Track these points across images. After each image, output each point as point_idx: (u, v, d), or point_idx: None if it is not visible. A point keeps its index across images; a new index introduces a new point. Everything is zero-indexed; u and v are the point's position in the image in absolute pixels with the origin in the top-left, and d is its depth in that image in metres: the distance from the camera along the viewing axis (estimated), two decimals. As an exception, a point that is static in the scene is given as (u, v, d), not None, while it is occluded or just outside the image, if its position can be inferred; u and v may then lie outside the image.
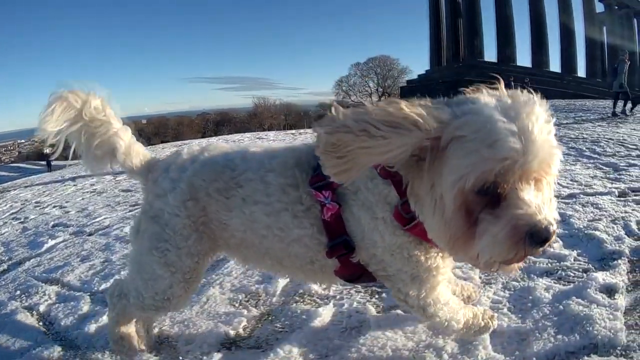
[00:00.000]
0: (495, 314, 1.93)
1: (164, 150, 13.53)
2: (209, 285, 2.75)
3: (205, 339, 2.14)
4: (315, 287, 2.57)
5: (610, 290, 2.40)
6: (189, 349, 2.06)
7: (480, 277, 2.56)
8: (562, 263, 2.80)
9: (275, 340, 2.09)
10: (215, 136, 21.55)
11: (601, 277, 2.51)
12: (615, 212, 3.73)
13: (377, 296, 2.46)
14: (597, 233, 3.23)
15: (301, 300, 2.50)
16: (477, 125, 1.00)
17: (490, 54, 42.66)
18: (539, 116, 1.02)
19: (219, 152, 1.58)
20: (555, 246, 3.05)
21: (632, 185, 4.61)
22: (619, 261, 2.75)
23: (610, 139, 8.22)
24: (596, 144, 7.70)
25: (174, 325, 2.28)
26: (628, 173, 5.21)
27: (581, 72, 43.74)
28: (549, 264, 2.79)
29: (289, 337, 2.08)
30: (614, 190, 4.44)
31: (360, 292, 2.51)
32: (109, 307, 1.82)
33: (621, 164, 5.80)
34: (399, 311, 2.21)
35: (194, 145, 1.70)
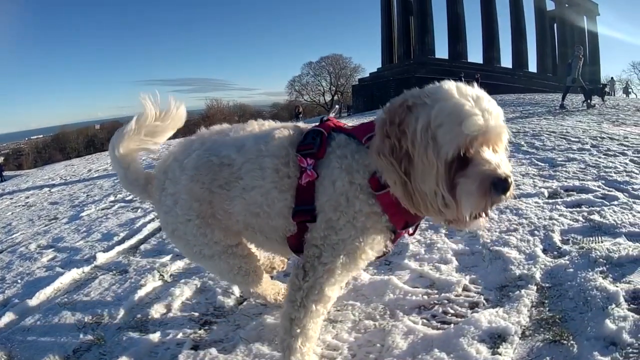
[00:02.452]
0: None
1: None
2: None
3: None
4: (153, 312, 2.40)
5: (495, 338, 1.85)
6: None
7: (329, 312, 2.08)
8: (444, 294, 2.25)
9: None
10: (169, 140, 20.78)
11: (488, 317, 1.96)
12: (538, 219, 3.16)
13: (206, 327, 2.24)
14: (506, 250, 2.66)
15: (135, 327, 2.31)
16: (448, 109, 1.27)
17: (442, 52, 44.47)
18: (491, 100, 1.32)
19: (209, 149, 1.66)
20: (444, 269, 2.50)
21: (566, 184, 4.13)
22: (524, 291, 2.19)
23: (553, 132, 7.91)
24: (537, 137, 7.34)
25: None
26: (565, 169, 4.78)
27: (532, 67, 45.46)
28: (426, 296, 2.24)
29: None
30: (543, 190, 3.94)
31: (193, 320, 2.31)
32: (245, 292, 2.21)
33: (559, 159, 5.41)
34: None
35: (178, 149, 1.79)
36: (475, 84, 1.37)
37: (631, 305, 1.99)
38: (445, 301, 2.20)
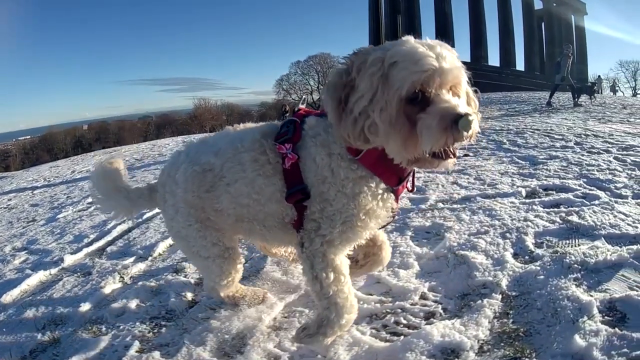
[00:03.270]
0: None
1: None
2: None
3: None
4: (108, 314, 2.40)
5: (447, 354, 1.71)
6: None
7: (275, 318, 2.16)
8: (398, 303, 2.09)
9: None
10: (157, 139, 22.15)
11: (442, 330, 1.81)
12: (512, 220, 2.98)
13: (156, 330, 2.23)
14: (472, 255, 2.50)
15: (90, 328, 2.31)
16: (404, 51, 1.35)
17: None
18: (448, 48, 1.40)
19: (193, 160, 1.84)
20: (402, 274, 2.34)
21: (545, 183, 3.97)
22: (487, 300, 2.03)
23: (537, 129, 7.79)
24: (520, 135, 7.20)
25: None
26: (546, 167, 4.64)
27: (520, 66, 45.79)
28: (379, 304, 2.10)
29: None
30: (521, 190, 3.77)
31: (144, 323, 2.29)
32: (214, 297, 2.24)
33: (541, 157, 5.27)
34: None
35: (168, 167, 1.98)
36: None
37: (605, 317, 1.81)
38: (399, 310, 2.05)
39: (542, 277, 2.18)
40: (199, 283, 2.59)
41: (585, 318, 1.78)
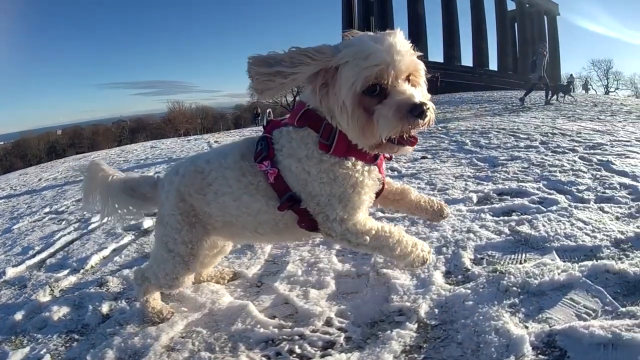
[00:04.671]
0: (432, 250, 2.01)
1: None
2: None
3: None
4: (31, 327, 2.35)
5: None
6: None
7: (172, 338, 2.09)
8: (299, 328, 1.93)
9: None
10: (131, 144, 22.68)
11: None
12: (454, 232, 2.68)
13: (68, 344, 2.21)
14: (395, 274, 2.20)
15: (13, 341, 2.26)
16: (354, 49, 1.44)
17: None
18: (401, 38, 1.47)
19: (192, 161, 1.99)
20: (313, 295, 2.15)
21: (500, 187, 3.68)
22: (397, 330, 1.76)
23: (503, 129, 7.56)
24: (485, 135, 6.97)
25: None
26: (505, 169, 4.36)
27: (493, 65, 46.52)
28: (278, 328, 1.96)
29: None
30: (472, 195, 3.45)
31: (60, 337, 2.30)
32: (135, 286, 2.25)
33: (502, 158, 5.00)
34: None
35: (175, 165, 2.10)
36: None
37: (539, 356, 1.49)
38: (297, 337, 1.87)
39: (471, 302, 1.86)
40: (118, 297, 2.54)
41: (512, 358, 1.44)
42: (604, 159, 4.49)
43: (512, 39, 48.01)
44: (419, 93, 1.47)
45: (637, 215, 2.82)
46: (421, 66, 1.51)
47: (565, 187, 3.52)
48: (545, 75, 13.85)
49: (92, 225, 4.21)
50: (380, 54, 1.39)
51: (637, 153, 4.84)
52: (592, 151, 4.99)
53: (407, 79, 1.46)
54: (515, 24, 48.59)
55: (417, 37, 42.36)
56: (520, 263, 2.20)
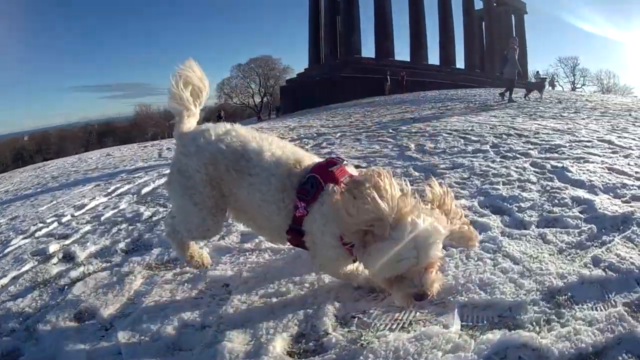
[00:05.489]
0: None
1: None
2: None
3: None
4: None
5: None
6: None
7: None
8: None
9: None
10: (99, 149, 21.76)
11: None
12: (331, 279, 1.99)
13: None
14: (230, 336, 1.85)
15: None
16: (387, 248, 1.54)
17: (370, 51, 44.29)
18: (431, 233, 1.55)
19: (240, 141, 2.04)
20: None
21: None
22: None
23: (456, 130, 6.95)
24: (434, 138, 6.33)
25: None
26: (440, 181, 3.76)
27: (460, 64, 46.79)
28: None
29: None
30: None
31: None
32: (170, 241, 2.34)
33: (442, 166, 4.42)
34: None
35: (219, 127, 2.15)
36: None
37: None
38: None
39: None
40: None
41: None
42: (559, 164, 3.96)
43: (480, 37, 48.39)
44: (431, 279, 1.58)
45: (588, 244, 2.20)
46: (439, 255, 1.60)
47: (506, 204, 2.92)
48: (518, 71, 13.40)
49: (8, 249, 3.53)
50: (410, 262, 1.53)
51: (597, 156, 4.32)
52: (547, 155, 4.48)
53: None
54: (483, 23, 49.05)
55: (384, 36, 42.73)
56: (400, 330, 1.65)
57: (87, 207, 4.42)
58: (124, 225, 3.54)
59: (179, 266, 2.56)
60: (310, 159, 2.00)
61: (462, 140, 5.79)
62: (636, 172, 3.57)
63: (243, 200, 2.02)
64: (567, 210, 2.72)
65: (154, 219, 3.62)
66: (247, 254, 2.59)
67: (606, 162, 3.99)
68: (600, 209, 2.71)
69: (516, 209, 2.79)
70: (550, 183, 3.36)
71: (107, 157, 11.64)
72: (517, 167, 3.93)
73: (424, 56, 43.22)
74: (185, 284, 2.33)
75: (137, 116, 62.74)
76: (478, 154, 4.74)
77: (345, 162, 1.94)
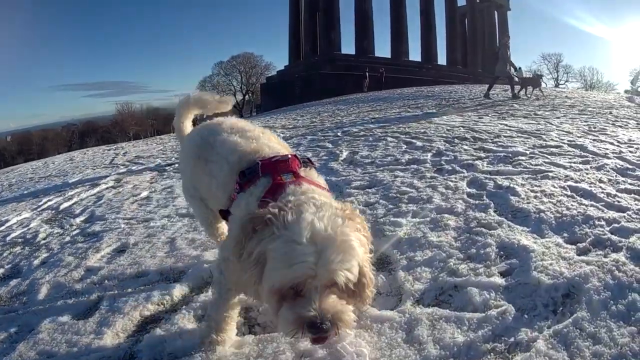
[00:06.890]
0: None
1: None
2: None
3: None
4: None
5: None
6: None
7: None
8: None
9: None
10: (80, 148, 20.36)
11: None
12: None
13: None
14: None
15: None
16: (282, 250, 1.27)
17: (350, 48, 44.04)
18: (336, 241, 1.25)
19: (217, 132, 2.07)
20: None
21: None
22: None
23: (407, 133, 5.99)
24: (376, 143, 5.37)
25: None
26: (348, 203, 2.55)
27: (442, 60, 46.50)
28: None
29: None
30: None
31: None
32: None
33: (356, 182, 3.59)
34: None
35: (226, 120, 2.18)
36: None
37: None
38: None
39: None
40: None
41: None
42: (505, 182, 3.04)
43: (462, 34, 48.33)
44: (333, 305, 1.29)
45: (483, 347, 1.24)
46: (346, 277, 1.27)
47: (394, 257, 1.98)
48: (511, 68, 12.82)
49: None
50: (306, 266, 1.23)
51: (562, 168, 3.40)
52: (497, 167, 3.56)
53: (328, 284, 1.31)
54: (466, 20, 48.96)
55: (364, 33, 42.45)
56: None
57: (5, 225, 3.94)
58: (17, 249, 3.17)
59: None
60: (275, 152, 1.87)
61: (404, 147, 4.84)
62: (607, 195, 2.61)
63: (204, 184, 2.08)
64: (479, 274, 1.79)
65: (42, 242, 3.22)
66: None
67: (571, 179, 3.03)
68: (535, 270, 1.77)
69: (405, 265, 1.81)
70: (479, 215, 2.44)
71: (69, 162, 10.74)
72: (446, 188, 3.02)
73: (405, 53, 43.07)
74: None
75: (117, 115, 61.14)
76: (411, 166, 3.81)
77: (307, 162, 1.75)
